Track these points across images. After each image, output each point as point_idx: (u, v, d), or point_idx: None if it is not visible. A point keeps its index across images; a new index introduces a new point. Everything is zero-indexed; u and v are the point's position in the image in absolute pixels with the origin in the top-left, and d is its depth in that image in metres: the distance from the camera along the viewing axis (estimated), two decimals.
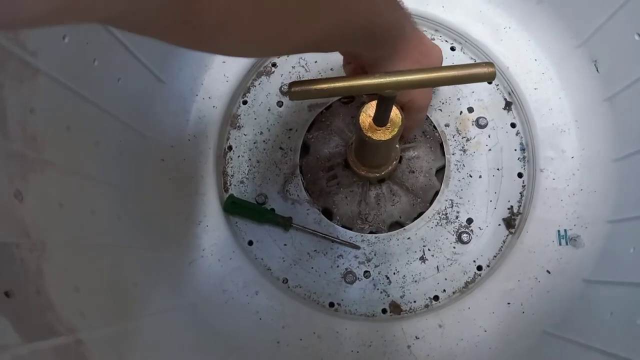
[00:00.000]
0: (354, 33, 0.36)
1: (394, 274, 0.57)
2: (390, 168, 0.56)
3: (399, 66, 0.44)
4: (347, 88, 0.38)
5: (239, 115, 0.63)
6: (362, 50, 0.42)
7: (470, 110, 0.61)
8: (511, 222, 0.58)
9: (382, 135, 0.46)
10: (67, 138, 0.42)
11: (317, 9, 0.30)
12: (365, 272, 0.58)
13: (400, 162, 0.59)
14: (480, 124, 0.61)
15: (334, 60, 0.64)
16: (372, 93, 0.41)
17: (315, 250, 0.58)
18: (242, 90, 0.64)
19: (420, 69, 0.38)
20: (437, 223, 0.58)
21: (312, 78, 0.58)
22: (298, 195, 0.60)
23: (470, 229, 0.58)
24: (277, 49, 0.32)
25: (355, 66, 0.48)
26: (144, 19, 0.22)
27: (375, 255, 0.58)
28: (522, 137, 0.60)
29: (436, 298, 0.57)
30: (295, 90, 0.38)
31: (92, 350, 0.36)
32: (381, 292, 0.57)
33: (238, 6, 0.25)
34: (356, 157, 0.57)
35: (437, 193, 0.60)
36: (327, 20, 0.31)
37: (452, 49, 0.63)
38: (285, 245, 0.59)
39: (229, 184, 0.61)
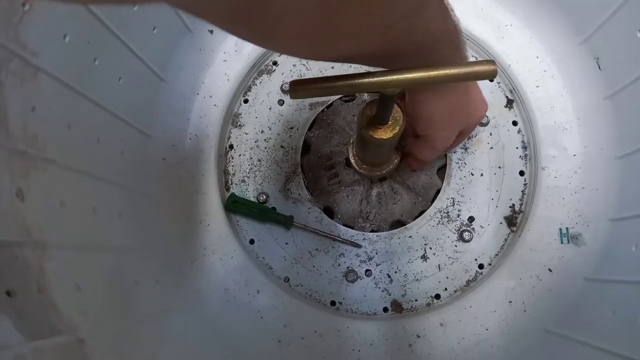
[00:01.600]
0: (404, 59, 0.36)
1: (396, 272, 0.57)
2: (391, 166, 0.56)
3: (433, 103, 0.43)
4: (348, 86, 0.38)
5: (240, 114, 0.63)
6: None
7: None
8: (513, 221, 0.58)
9: (384, 133, 0.46)
10: (68, 137, 0.42)
11: (377, 25, 0.30)
12: (367, 270, 0.57)
13: (401, 160, 0.59)
14: (481, 122, 0.60)
15: None
16: (373, 91, 0.40)
17: (316, 249, 0.58)
18: (243, 89, 0.64)
19: (421, 67, 0.37)
20: (439, 221, 0.58)
21: (313, 76, 0.58)
22: (299, 194, 0.60)
23: (471, 227, 0.58)
24: (328, 52, 0.32)
25: None
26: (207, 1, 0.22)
27: (376, 253, 0.58)
28: (523, 135, 0.60)
29: (438, 296, 0.57)
30: (296, 88, 0.38)
31: (94, 349, 0.36)
32: (382, 291, 0.57)
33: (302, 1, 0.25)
34: (357, 156, 0.57)
35: (438, 191, 0.60)
36: (381, 38, 0.31)
37: None
38: (286, 244, 0.59)
39: (230, 182, 0.61)
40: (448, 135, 0.49)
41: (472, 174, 0.59)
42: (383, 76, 0.37)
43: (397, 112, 0.46)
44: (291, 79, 0.59)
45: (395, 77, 0.37)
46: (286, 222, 0.58)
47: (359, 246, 0.58)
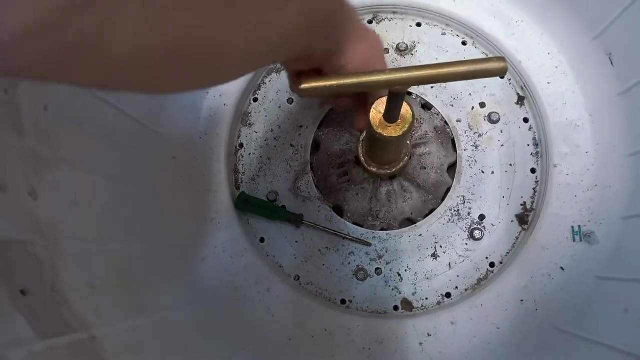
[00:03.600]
0: (316, 28, 0.35)
1: (406, 271, 0.57)
2: (401, 164, 0.56)
3: (350, 55, 0.42)
4: (356, 85, 0.38)
5: (250, 113, 0.64)
6: (317, 46, 0.40)
7: (482, 105, 0.61)
8: (524, 219, 0.57)
9: (393, 131, 0.46)
10: (80, 135, 0.43)
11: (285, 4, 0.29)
12: (377, 269, 0.57)
13: (411, 158, 0.58)
14: (492, 119, 0.60)
15: None
16: (382, 89, 0.40)
17: (326, 247, 0.58)
18: (252, 88, 0.64)
19: (430, 65, 0.37)
20: (449, 219, 0.58)
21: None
22: (309, 192, 0.60)
23: (482, 225, 0.58)
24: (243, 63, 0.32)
25: (307, 73, 0.44)
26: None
27: (386, 252, 0.58)
28: (535, 132, 0.60)
29: (448, 295, 0.56)
30: (305, 87, 0.38)
31: (106, 346, 0.36)
32: (393, 289, 0.57)
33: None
34: (367, 154, 0.57)
35: (449, 189, 0.59)
36: (294, 16, 0.31)
37: (464, 43, 0.63)
38: (296, 242, 0.59)
39: (240, 181, 0.61)
40: None
41: (483, 172, 0.59)
42: (392, 74, 0.37)
43: (406, 110, 0.45)
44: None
45: (404, 75, 0.37)
46: (296, 220, 0.58)
47: (368, 244, 0.58)
